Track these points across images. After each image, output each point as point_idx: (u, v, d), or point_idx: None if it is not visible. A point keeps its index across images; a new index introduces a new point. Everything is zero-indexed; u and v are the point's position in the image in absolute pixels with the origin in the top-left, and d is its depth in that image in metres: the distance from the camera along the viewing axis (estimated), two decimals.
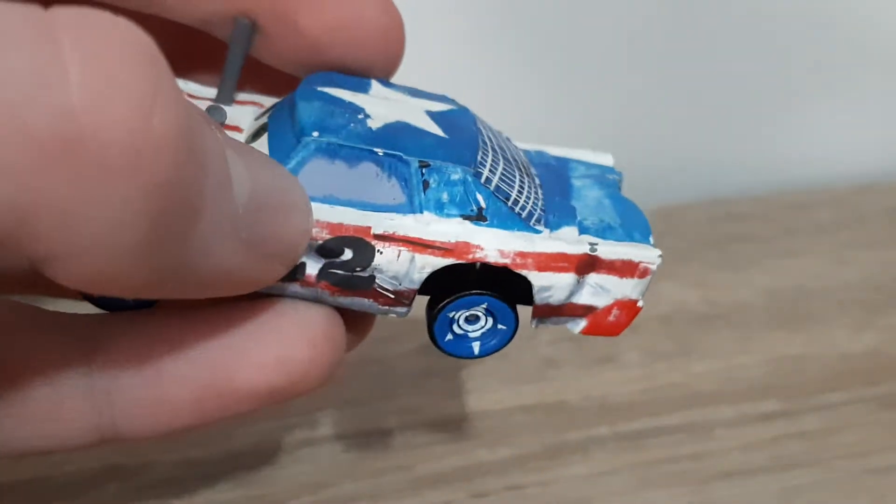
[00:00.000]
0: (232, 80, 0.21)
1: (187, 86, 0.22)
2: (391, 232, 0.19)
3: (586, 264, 0.20)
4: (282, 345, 0.19)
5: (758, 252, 0.41)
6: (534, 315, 0.21)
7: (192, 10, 0.21)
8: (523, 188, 0.21)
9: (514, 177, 0.21)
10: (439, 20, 0.42)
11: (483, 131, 0.21)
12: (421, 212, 0.19)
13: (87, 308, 0.20)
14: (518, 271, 0.20)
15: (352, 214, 0.19)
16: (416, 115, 0.20)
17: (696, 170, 0.47)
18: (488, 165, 0.20)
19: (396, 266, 0.19)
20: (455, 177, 0.19)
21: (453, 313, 0.20)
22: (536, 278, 0.20)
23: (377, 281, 0.19)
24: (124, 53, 0.13)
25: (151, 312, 0.20)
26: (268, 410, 0.21)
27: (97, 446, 0.20)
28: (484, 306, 0.20)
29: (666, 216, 0.42)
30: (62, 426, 0.19)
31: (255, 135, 0.20)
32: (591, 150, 0.24)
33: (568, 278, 0.20)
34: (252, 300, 0.19)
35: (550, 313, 0.21)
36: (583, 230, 0.21)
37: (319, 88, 0.20)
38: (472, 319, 0.21)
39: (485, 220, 0.20)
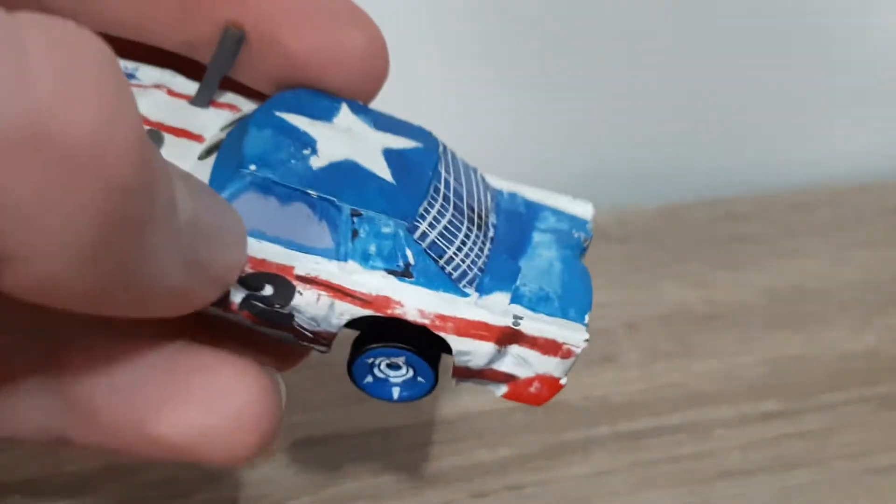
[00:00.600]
0: (212, 86, 0.21)
1: (175, 79, 0.22)
2: (314, 275, 0.19)
3: (508, 336, 0.20)
4: (194, 410, 0.19)
5: (758, 252, 0.41)
6: (453, 374, 0.21)
7: (177, 34, 0.21)
8: (465, 244, 0.20)
9: (459, 231, 0.20)
10: (437, 26, 0.42)
11: (441, 175, 0.21)
12: (346, 260, 0.19)
13: None
14: (437, 333, 0.20)
15: (277, 252, 0.19)
16: (370, 153, 0.20)
17: (696, 170, 0.47)
18: (429, 219, 0.20)
19: (315, 309, 0.19)
20: (386, 230, 0.19)
21: (372, 359, 0.20)
22: (455, 342, 0.20)
23: (296, 319, 0.19)
24: (89, 58, 0.13)
25: (108, 333, 0.20)
26: None
27: (51, 444, 0.20)
28: (403, 358, 0.20)
29: (666, 216, 0.42)
30: (16, 419, 0.20)
31: (209, 151, 0.20)
32: (571, 198, 0.24)
33: (487, 347, 0.20)
34: (193, 349, 0.19)
35: (470, 375, 0.21)
36: (515, 298, 0.20)
37: (278, 114, 0.20)
38: (393, 366, 0.20)
39: (411, 276, 0.19)
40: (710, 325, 0.36)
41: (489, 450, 0.30)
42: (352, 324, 0.20)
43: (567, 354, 0.20)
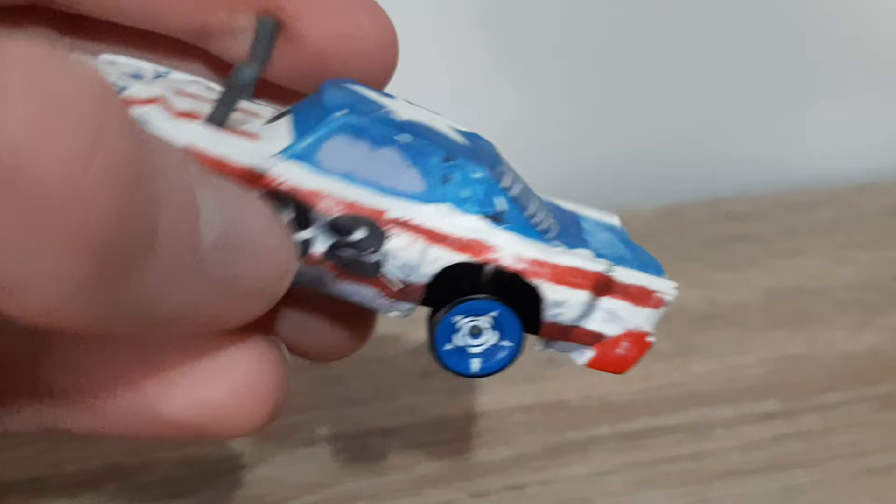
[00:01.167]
0: (252, 73, 0.20)
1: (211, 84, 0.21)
2: (407, 219, 0.19)
3: (602, 285, 0.20)
4: (202, 387, 0.19)
5: (758, 252, 0.41)
6: (541, 334, 0.20)
7: (189, 20, 0.21)
8: (539, 210, 0.20)
9: (531, 199, 0.20)
10: (438, 22, 0.42)
11: (503, 158, 0.21)
12: (440, 203, 0.19)
13: None
14: (532, 280, 0.19)
15: (368, 195, 0.18)
16: (441, 124, 0.20)
17: (696, 170, 0.47)
18: (509, 180, 0.20)
19: (408, 254, 0.19)
20: (477, 175, 0.19)
21: (459, 318, 0.20)
22: (550, 290, 0.19)
23: (384, 269, 0.19)
24: (71, 93, 0.13)
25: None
26: None
27: (39, 434, 0.20)
28: (493, 315, 0.20)
29: (666, 216, 0.43)
30: (6, 412, 0.19)
31: (275, 119, 0.20)
32: (597, 210, 0.24)
33: (582, 296, 0.20)
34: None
35: (558, 335, 0.20)
36: (598, 256, 0.20)
37: (345, 85, 0.20)
38: (475, 333, 0.20)
39: (503, 223, 0.19)
40: (710, 325, 0.36)
41: (489, 450, 0.30)
42: (440, 278, 0.19)
43: (658, 304, 0.20)
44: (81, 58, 0.14)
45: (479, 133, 0.21)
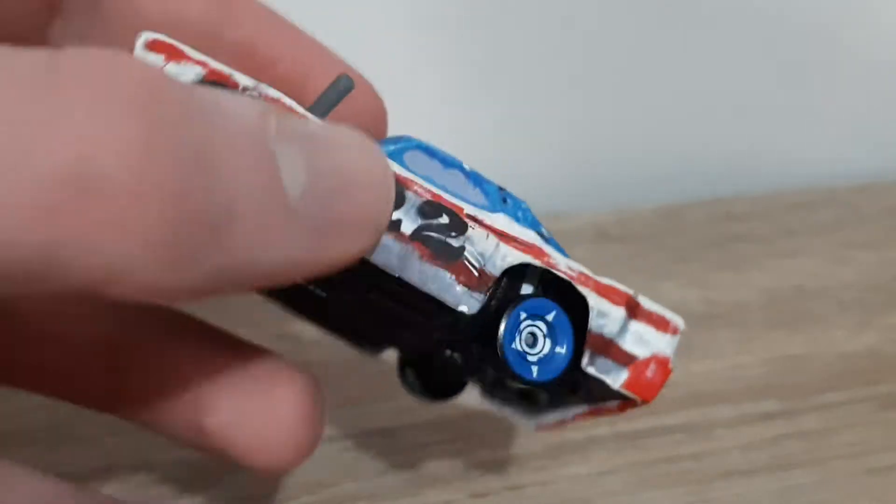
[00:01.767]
0: None
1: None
2: (481, 218, 0.20)
3: (632, 306, 0.21)
4: (247, 405, 0.20)
5: (758, 252, 0.41)
6: (587, 344, 0.21)
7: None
8: None
9: None
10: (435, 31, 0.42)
11: None
12: (504, 214, 0.21)
13: None
14: (581, 287, 0.21)
15: (447, 195, 0.20)
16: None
17: (696, 170, 0.47)
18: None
19: (485, 244, 0.20)
20: (524, 205, 0.22)
21: (524, 316, 0.21)
22: (596, 301, 0.21)
23: (466, 252, 0.20)
24: (126, 94, 0.14)
25: (173, 338, 0.22)
26: None
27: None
28: (550, 318, 0.21)
29: (666, 216, 0.43)
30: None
31: None
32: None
33: (620, 312, 0.21)
34: (251, 350, 0.21)
35: (601, 348, 0.21)
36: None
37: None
38: (530, 343, 0.21)
39: (548, 243, 0.21)
40: (710, 325, 0.36)
41: (489, 450, 0.30)
42: (506, 274, 0.20)
43: (675, 331, 0.22)
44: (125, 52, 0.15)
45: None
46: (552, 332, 0.21)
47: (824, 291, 0.38)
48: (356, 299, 0.21)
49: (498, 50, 0.43)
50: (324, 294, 0.21)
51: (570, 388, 0.23)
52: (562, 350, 0.21)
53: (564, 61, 0.45)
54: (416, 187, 0.20)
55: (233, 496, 0.28)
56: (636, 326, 0.21)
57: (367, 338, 0.26)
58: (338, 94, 0.21)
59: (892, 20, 0.47)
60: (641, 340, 0.21)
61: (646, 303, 0.22)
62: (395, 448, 0.30)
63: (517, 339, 0.21)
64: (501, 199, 0.21)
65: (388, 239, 0.19)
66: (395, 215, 0.19)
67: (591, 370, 0.21)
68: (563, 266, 0.21)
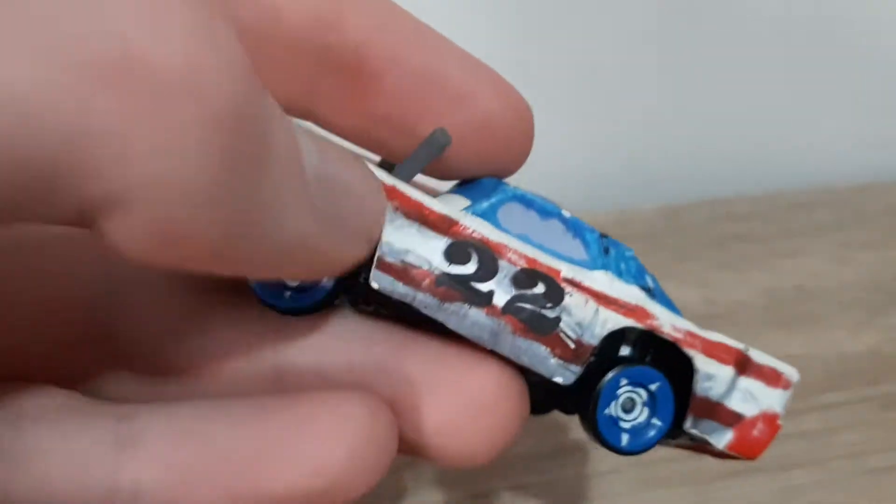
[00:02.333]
0: (406, 180, 0.20)
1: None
2: (579, 279, 0.19)
3: (741, 363, 0.20)
4: (318, 447, 0.18)
5: (758, 252, 0.41)
6: (690, 410, 0.20)
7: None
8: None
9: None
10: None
11: None
12: (605, 270, 0.20)
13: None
14: (687, 350, 0.20)
15: (543, 255, 0.19)
16: None
17: (696, 170, 0.47)
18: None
19: (583, 312, 0.19)
20: (629, 254, 0.21)
21: (624, 383, 0.20)
22: (703, 363, 0.20)
23: (562, 324, 0.19)
24: None
25: (184, 403, 0.19)
26: None
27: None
28: (651, 388, 0.20)
29: (666, 216, 0.43)
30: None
31: (438, 195, 0.20)
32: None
33: (728, 371, 0.20)
34: (292, 392, 0.18)
35: (705, 412, 0.20)
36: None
37: (493, 178, 0.21)
38: (627, 408, 0.20)
39: (654, 298, 0.20)
40: (710, 325, 0.36)
41: None
42: (606, 341, 0.19)
43: (786, 385, 0.21)
44: None
45: None
46: (652, 402, 0.20)
47: (824, 291, 0.38)
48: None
49: (498, 49, 0.43)
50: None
51: (669, 439, 0.22)
52: (659, 423, 0.20)
53: (565, 61, 0.45)
54: (510, 254, 0.19)
55: None
56: (745, 383, 0.20)
57: None
58: (432, 151, 0.19)
59: (892, 20, 0.47)
60: (750, 398, 0.20)
61: (757, 356, 0.20)
62: None
63: (612, 405, 0.20)
64: (603, 250, 0.20)
65: (479, 314, 0.18)
66: (488, 286, 0.18)
67: (693, 431, 0.20)
68: (669, 327, 0.20)
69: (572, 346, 0.19)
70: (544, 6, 0.43)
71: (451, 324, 0.18)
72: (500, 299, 0.18)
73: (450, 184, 0.21)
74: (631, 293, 0.20)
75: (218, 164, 0.13)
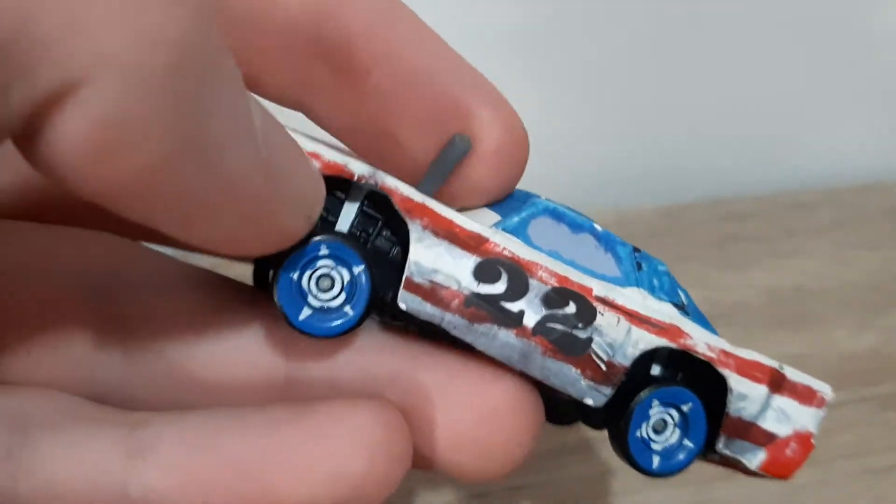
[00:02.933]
0: (430, 192, 0.19)
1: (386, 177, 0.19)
2: (612, 298, 0.19)
3: (776, 381, 0.20)
4: (333, 457, 0.17)
5: (758, 252, 0.41)
6: (723, 430, 0.20)
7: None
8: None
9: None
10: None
11: None
12: (637, 287, 0.19)
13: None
14: (721, 369, 0.19)
15: (575, 273, 0.19)
16: None
17: (696, 170, 0.47)
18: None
19: (615, 332, 0.19)
20: (662, 268, 0.20)
21: (656, 404, 0.19)
22: (736, 382, 0.19)
23: (593, 345, 0.19)
24: None
25: (197, 412, 0.18)
26: None
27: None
28: (685, 409, 0.19)
29: (666, 216, 0.43)
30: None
31: (465, 209, 0.20)
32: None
33: (761, 390, 0.20)
34: (306, 402, 0.18)
35: (738, 432, 0.20)
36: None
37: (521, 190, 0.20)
38: (658, 430, 0.20)
39: (687, 314, 0.20)
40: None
41: None
42: (638, 362, 0.19)
43: (821, 403, 0.20)
44: None
45: None
46: (685, 423, 0.19)
47: (824, 291, 0.38)
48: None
49: (497, 49, 0.43)
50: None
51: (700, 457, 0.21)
52: (691, 444, 0.19)
53: (565, 61, 0.45)
54: (540, 272, 0.18)
55: None
56: (779, 402, 0.20)
57: None
58: (453, 158, 0.19)
59: (892, 20, 0.47)
60: (784, 417, 0.20)
61: (791, 374, 0.20)
62: None
63: (644, 426, 0.19)
64: (636, 265, 0.20)
65: (509, 335, 0.18)
66: (518, 306, 0.18)
67: (725, 452, 0.20)
68: (702, 346, 0.19)
69: (603, 367, 0.19)
70: (546, 6, 0.43)
71: (480, 345, 0.18)
72: (530, 320, 0.18)
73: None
74: (664, 310, 0.19)
75: (176, 52, 0.12)
